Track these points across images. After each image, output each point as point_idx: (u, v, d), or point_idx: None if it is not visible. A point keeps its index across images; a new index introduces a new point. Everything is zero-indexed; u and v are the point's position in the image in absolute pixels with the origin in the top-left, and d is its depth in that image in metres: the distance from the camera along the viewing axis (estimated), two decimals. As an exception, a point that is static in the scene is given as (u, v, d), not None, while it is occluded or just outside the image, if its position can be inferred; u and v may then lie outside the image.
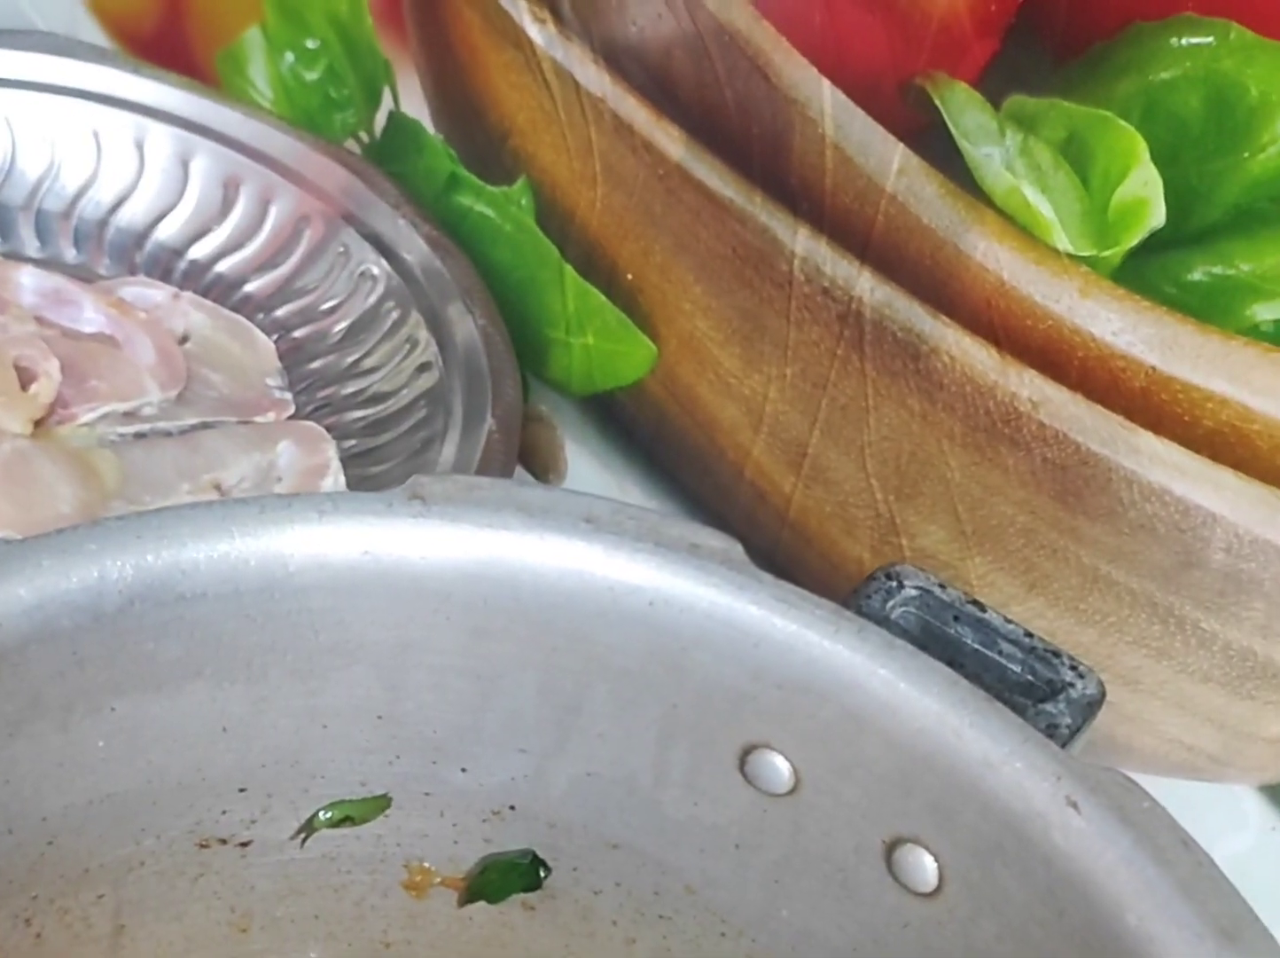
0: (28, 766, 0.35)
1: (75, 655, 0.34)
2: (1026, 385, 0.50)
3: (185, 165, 0.62)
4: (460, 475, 0.39)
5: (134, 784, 0.37)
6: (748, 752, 0.37)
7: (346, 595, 0.36)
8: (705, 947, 0.40)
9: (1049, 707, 0.37)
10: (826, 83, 0.51)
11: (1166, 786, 0.54)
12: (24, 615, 0.33)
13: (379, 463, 0.55)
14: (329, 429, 0.57)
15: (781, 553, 0.60)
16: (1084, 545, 0.51)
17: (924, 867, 0.36)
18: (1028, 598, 0.53)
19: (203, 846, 0.39)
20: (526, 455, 0.62)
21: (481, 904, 0.41)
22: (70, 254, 0.61)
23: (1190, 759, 0.53)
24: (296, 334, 0.60)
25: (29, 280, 0.57)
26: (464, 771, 0.39)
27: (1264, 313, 0.46)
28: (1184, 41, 0.45)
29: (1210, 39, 0.45)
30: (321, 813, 0.39)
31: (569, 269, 0.61)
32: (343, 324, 0.60)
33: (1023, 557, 0.53)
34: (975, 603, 0.40)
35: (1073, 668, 0.38)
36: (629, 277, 0.60)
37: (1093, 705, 0.38)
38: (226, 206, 0.62)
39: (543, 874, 0.40)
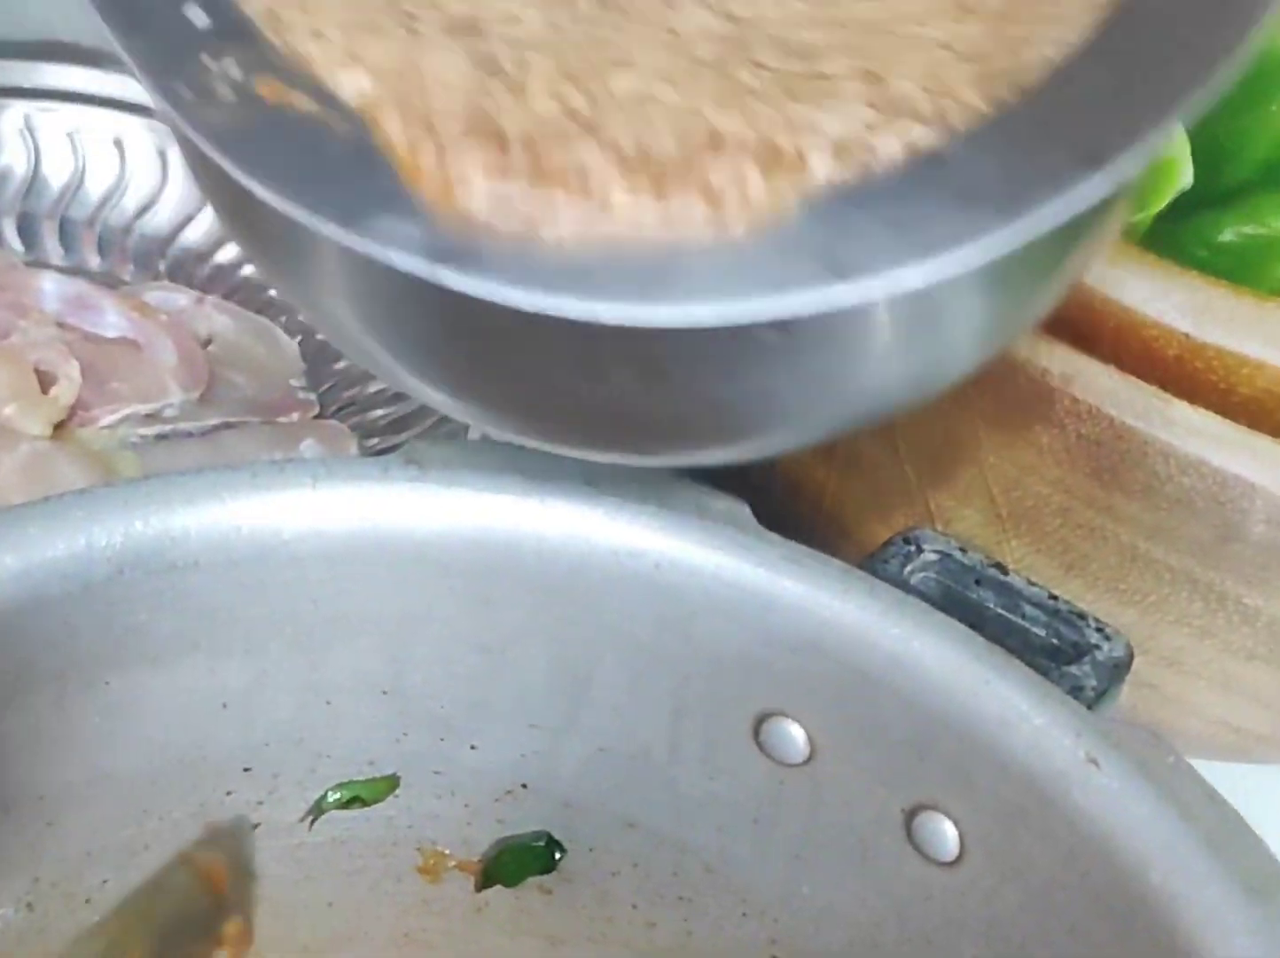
0: (23, 740, 0.34)
1: (67, 626, 0.33)
2: (1058, 360, 0.49)
3: (209, 170, 0.62)
4: (459, 440, 0.38)
5: (133, 763, 0.36)
6: (762, 720, 0.36)
7: (344, 564, 0.35)
8: (727, 928, 0.39)
9: (1074, 669, 0.36)
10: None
11: (1215, 770, 0.53)
12: (12, 582, 0.32)
13: (403, 459, 0.55)
14: (353, 428, 0.56)
15: (818, 546, 0.58)
16: (1121, 523, 0.50)
17: (944, 834, 0.35)
18: (1066, 580, 0.52)
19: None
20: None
21: (498, 889, 0.40)
22: (95, 262, 0.61)
23: (1238, 742, 0.52)
24: (320, 335, 0.60)
25: (51, 286, 0.57)
26: (473, 748, 0.38)
27: (1298, 271, 0.45)
28: (1206, -4, 0.44)
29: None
30: (330, 793, 0.38)
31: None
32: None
33: (1059, 537, 0.51)
34: (997, 566, 0.38)
35: (1098, 630, 0.37)
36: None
37: (1119, 667, 0.37)
38: (251, 211, 0.62)
39: (558, 856, 0.39)
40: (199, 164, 0.31)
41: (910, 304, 0.29)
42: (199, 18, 0.28)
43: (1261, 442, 0.46)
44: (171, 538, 0.33)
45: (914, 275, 0.26)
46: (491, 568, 0.36)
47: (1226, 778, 0.52)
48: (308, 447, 0.54)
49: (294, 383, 0.58)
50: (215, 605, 0.35)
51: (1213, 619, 0.49)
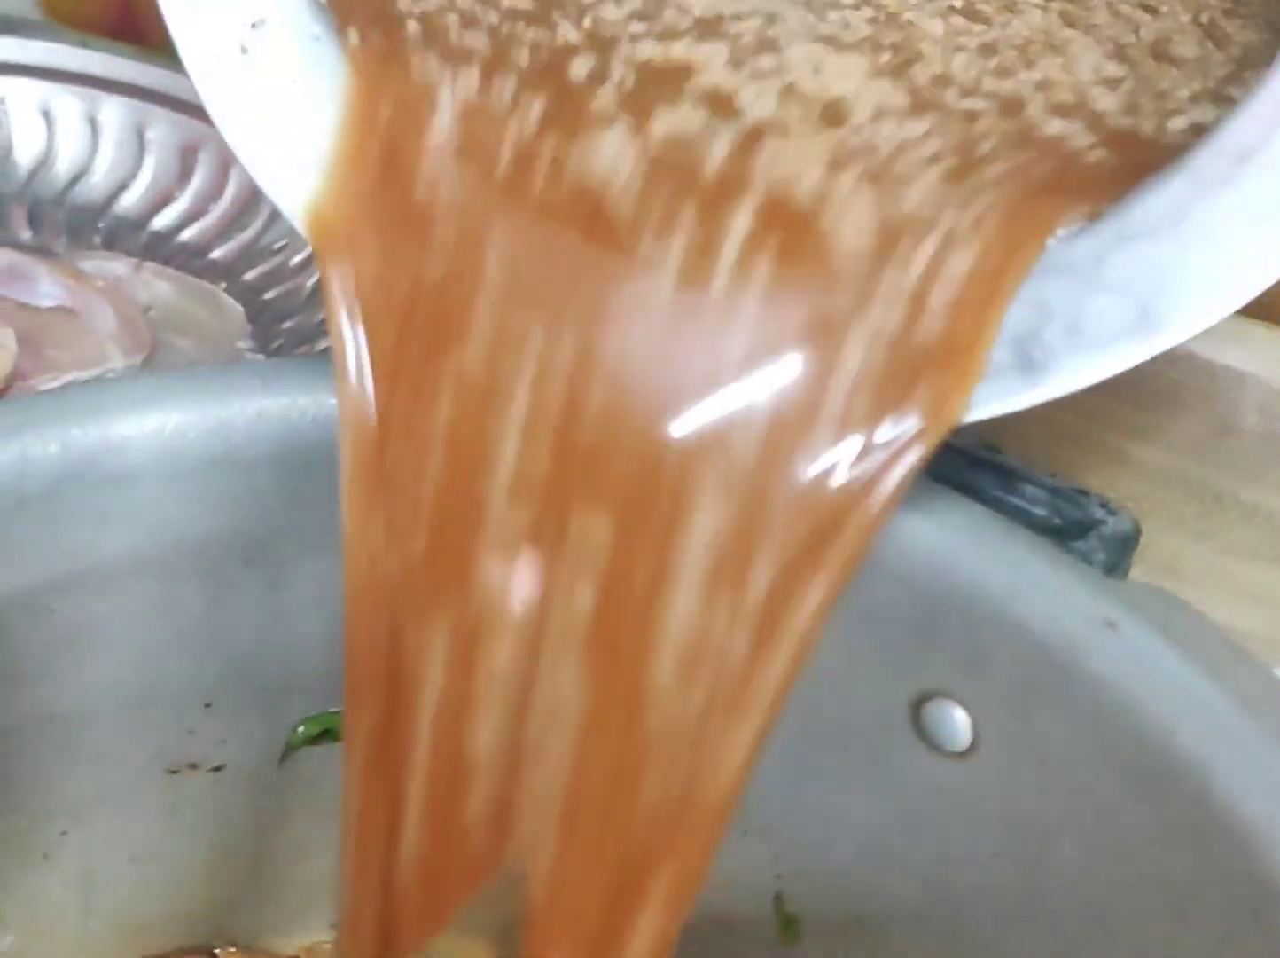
0: (-42, 678, 0.32)
1: (3, 543, 0.31)
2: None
3: (141, 135, 0.60)
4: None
5: (83, 703, 0.34)
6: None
7: (298, 473, 0.33)
8: (726, 852, 0.37)
9: (1080, 545, 0.34)
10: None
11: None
12: (-60, 496, 0.30)
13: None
14: (304, 387, 0.54)
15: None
16: (1105, 427, 0.48)
17: (955, 722, 0.33)
18: (1052, 492, 0.50)
19: (171, 772, 0.35)
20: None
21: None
22: (26, 235, 0.58)
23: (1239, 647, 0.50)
24: (266, 296, 0.57)
25: (-20, 258, 0.55)
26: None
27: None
28: None
29: None
30: (299, 728, 0.36)
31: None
32: (313, 280, 0.57)
33: (1041, 447, 0.50)
34: (991, 447, 0.36)
35: (1102, 505, 0.35)
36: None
37: (1128, 541, 0.34)
38: (186, 174, 0.59)
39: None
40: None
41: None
42: None
43: (1251, 327, 0.44)
44: (112, 447, 0.31)
45: None
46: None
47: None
48: (258, 406, 0.52)
49: (240, 344, 0.56)
50: (162, 521, 0.32)
51: (1210, 520, 0.47)
